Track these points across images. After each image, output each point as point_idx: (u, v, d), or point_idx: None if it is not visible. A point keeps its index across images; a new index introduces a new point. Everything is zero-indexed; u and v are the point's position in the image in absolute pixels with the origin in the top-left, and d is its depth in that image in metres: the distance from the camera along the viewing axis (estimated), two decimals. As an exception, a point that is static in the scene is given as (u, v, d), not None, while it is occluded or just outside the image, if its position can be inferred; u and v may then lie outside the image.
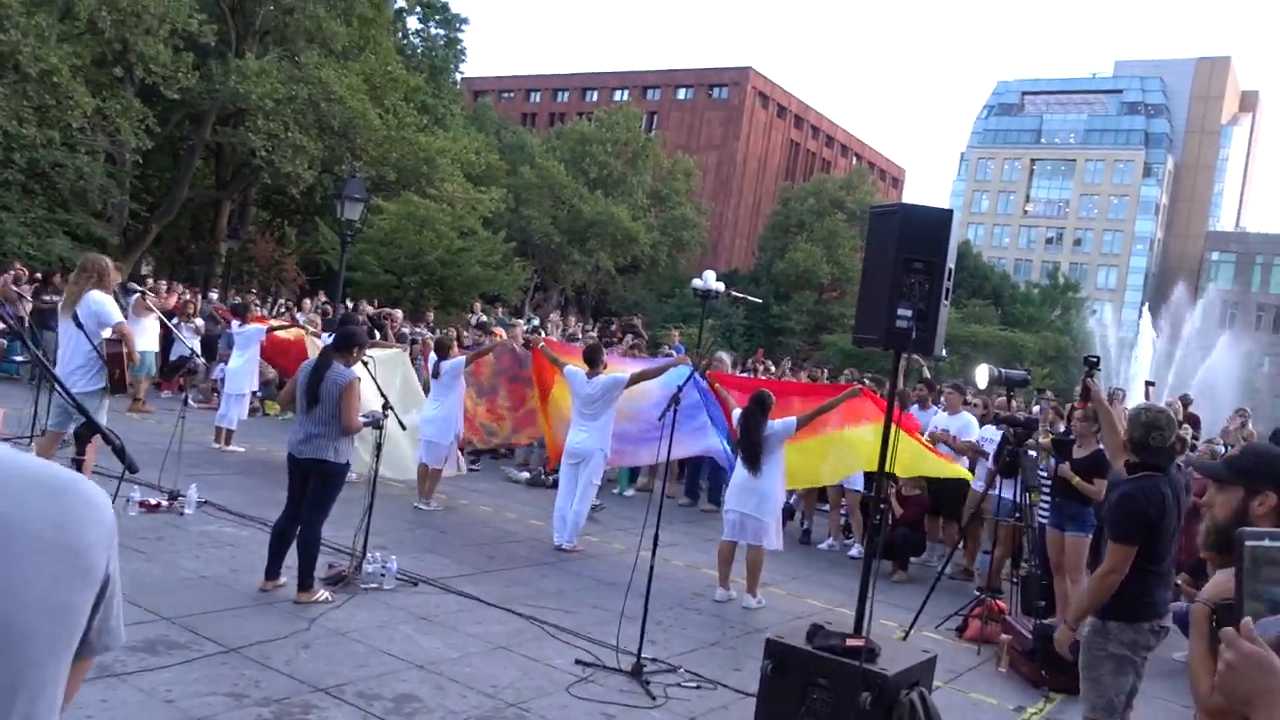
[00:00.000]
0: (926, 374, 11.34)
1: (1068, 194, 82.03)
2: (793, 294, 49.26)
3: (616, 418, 8.23)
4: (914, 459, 8.14)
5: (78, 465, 2.59)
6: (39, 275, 17.65)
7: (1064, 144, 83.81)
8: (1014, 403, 8.00)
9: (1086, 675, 4.21)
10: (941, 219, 4.58)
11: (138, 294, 12.35)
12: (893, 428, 4.61)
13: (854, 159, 74.48)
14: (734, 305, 12.39)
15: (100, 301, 7.22)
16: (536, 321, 19.75)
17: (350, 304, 18.77)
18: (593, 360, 8.56)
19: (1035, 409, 10.34)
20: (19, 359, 14.45)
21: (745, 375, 12.70)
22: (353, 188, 16.53)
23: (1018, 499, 7.50)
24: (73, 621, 1.35)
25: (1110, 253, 79.60)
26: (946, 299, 4.61)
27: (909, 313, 4.51)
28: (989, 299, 52.03)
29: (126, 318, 7.99)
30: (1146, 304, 64.09)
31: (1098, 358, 5.41)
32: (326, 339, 10.12)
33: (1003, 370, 7.20)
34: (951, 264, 4.60)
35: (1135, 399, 13.62)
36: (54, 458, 7.31)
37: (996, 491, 8.23)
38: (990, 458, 8.71)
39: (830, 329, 45.20)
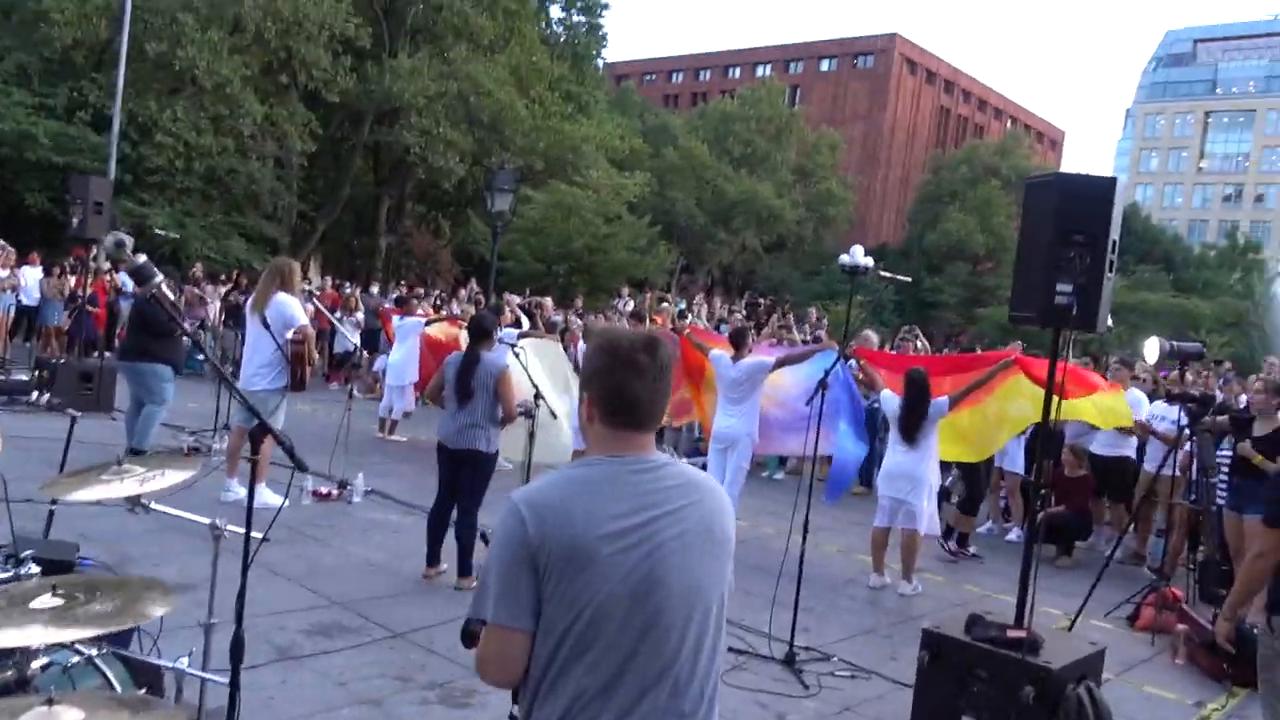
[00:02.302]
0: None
1: (1247, 147, 76.33)
2: (945, 266, 47.73)
3: (763, 405, 8.17)
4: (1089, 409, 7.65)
5: (253, 463, 2.74)
6: (222, 276, 18.90)
7: (1242, 93, 77.99)
8: (1188, 377, 7.51)
9: (1263, 677, 3.95)
10: (1103, 188, 4.33)
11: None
12: (1053, 400, 4.40)
13: (1009, 122, 71.39)
14: (883, 285, 12.06)
15: (287, 303, 7.66)
16: (684, 305, 19.78)
17: (496, 295, 19.26)
18: (738, 343, 8.53)
19: (1217, 386, 9.63)
20: (201, 358, 15.47)
21: (893, 352, 12.39)
22: (502, 180, 16.96)
23: (1194, 480, 7.06)
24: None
25: (1297, 209, 73.77)
26: (1111, 272, 4.37)
27: (1069, 288, 4.30)
28: (1159, 264, 49.10)
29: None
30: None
31: None
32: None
33: (1174, 343, 6.78)
34: (1116, 236, 4.36)
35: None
36: (240, 453, 7.86)
37: (1171, 471, 7.76)
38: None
39: (985, 302, 43.56)
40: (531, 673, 1.91)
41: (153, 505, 3.21)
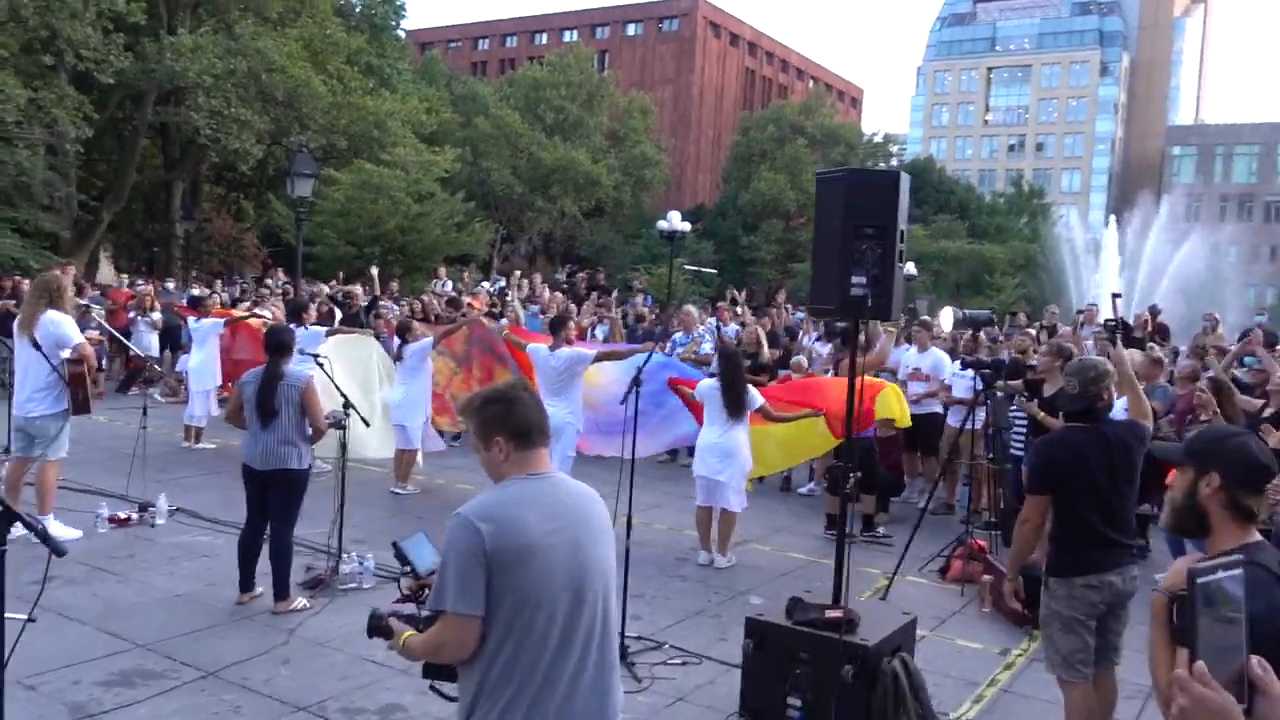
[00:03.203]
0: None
1: (1026, 100, 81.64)
2: (760, 224, 49.04)
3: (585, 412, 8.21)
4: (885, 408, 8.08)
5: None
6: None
7: (1019, 50, 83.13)
8: (979, 340, 7.95)
9: (1043, 632, 4.26)
10: (889, 182, 4.47)
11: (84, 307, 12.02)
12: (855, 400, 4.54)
13: (810, 82, 73.66)
14: (693, 276, 12.11)
15: (58, 322, 7.09)
16: (503, 283, 19.48)
17: (309, 284, 18.44)
18: (555, 328, 8.49)
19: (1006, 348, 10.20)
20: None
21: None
22: (301, 163, 16.17)
23: (989, 438, 7.50)
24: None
25: (1073, 155, 79.49)
26: (901, 262, 4.52)
27: (863, 279, 4.42)
28: (955, 213, 51.98)
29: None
30: (1112, 205, 64.27)
31: (1116, 321, 5.34)
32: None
33: (966, 312, 7.20)
34: (904, 226, 4.50)
35: (1106, 311, 13.60)
36: (22, 484, 7.22)
37: (972, 427, 8.22)
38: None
39: (800, 256, 45.04)
40: (481, 655, 2.42)
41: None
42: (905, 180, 4.52)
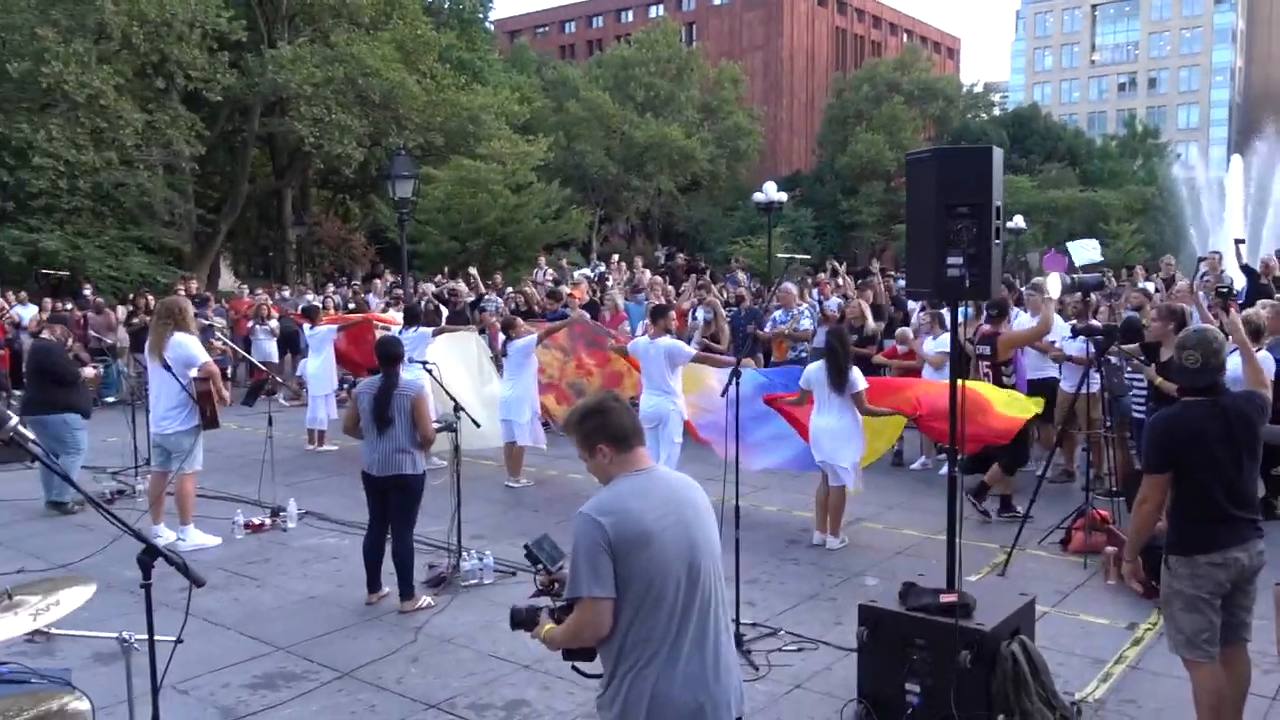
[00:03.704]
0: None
1: (1135, 35, 77.76)
2: (860, 187, 48.14)
3: (692, 414, 8.26)
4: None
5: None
6: (130, 296, 18.14)
7: (1125, -19, 79.29)
8: (1090, 306, 7.68)
9: (1164, 612, 4.13)
10: (980, 159, 4.36)
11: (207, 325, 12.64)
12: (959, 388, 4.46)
13: (904, 36, 71.73)
14: (787, 262, 11.93)
15: (184, 344, 7.52)
16: (603, 267, 19.65)
17: (415, 284, 18.92)
18: (656, 317, 8.58)
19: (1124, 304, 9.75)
20: (110, 400, 15.08)
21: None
22: (400, 166, 16.56)
23: (1105, 404, 7.25)
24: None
25: (1188, 90, 75.47)
26: (999, 239, 4.42)
27: (959, 260, 4.34)
28: (1064, 160, 50.05)
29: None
30: (1234, 140, 60.78)
31: (1229, 287, 5.12)
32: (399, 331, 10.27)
33: (1075, 277, 6.95)
34: (1000, 202, 4.39)
35: (1230, 258, 12.96)
36: (164, 497, 7.69)
37: (1087, 390, 7.95)
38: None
39: (902, 217, 44.01)
40: (616, 631, 2.77)
41: (53, 632, 3.09)
42: (998, 155, 4.40)
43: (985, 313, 8.46)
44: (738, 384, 5.48)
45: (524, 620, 2.99)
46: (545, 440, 9.99)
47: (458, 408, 6.87)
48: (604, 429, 2.93)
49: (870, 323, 10.92)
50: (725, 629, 2.96)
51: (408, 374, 6.59)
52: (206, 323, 13.12)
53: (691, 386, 8.45)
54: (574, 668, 3.12)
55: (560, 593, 3.03)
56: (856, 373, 7.32)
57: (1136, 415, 7.57)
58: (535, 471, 10.06)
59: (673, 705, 2.78)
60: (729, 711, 2.90)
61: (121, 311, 16.98)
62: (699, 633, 2.84)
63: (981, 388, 7.79)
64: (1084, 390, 7.83)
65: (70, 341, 10.15)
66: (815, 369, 7.48)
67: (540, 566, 3.19)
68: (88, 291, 18.12)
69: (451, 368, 9.29)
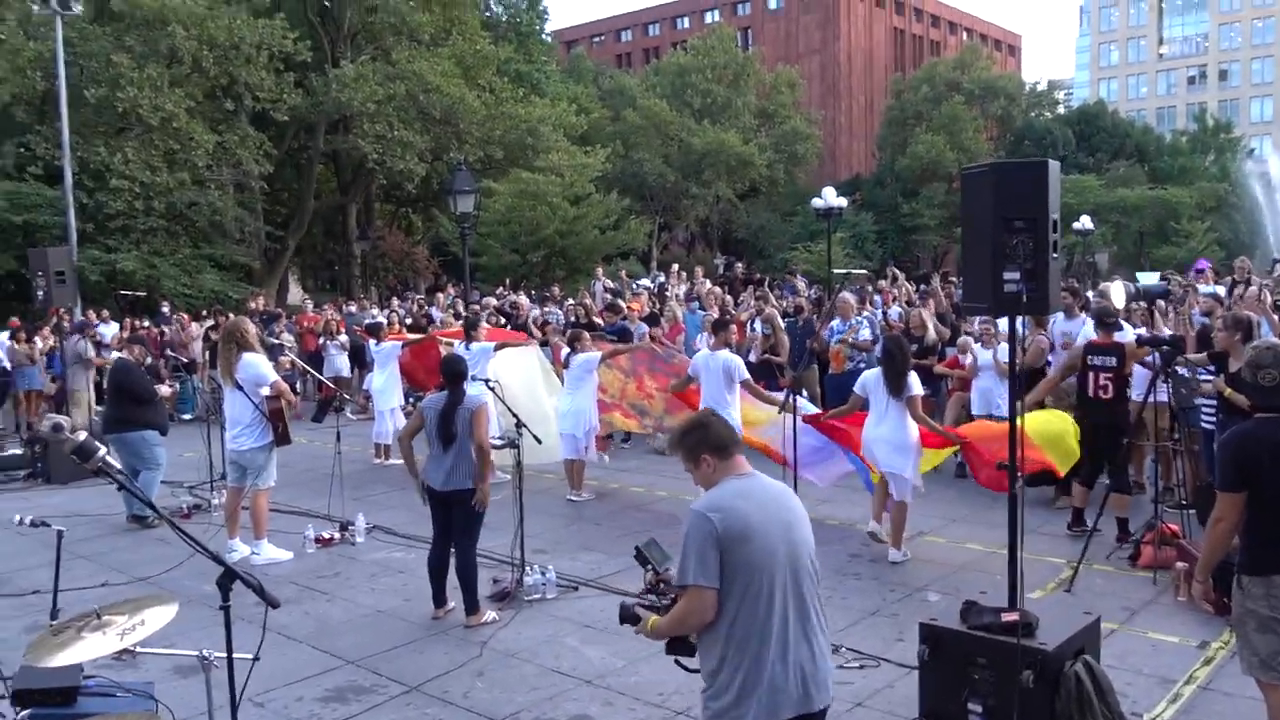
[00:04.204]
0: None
1: (1205, 26, 75.73)
2: (921, 189, 47.56)
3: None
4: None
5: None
6: (204, 312, 18.64)
7: (1194, -28, 77.31)
8: (1156, 315, 7.52)
9: (1237, 631, 4.05)
10: (1037, 171, 4.33)
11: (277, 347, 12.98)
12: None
13: (964, 35, 70.76)
14: (842, 279, 11.90)
15: (253, 364, 7.77)
16: (663, 278, 19.70)
17: (480, 297, 19.13)
18: (717, 329, 8.63)
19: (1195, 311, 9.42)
20: (186, 417, 15.57)
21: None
22: (461, 181, 16.87)
23: (1173, 416, 7.10)
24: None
25: (1261, 82, 73.20)
26: (1056, 252, 4.39)
27: (1016, 275, 4.32)
28: (1132, 157, 48.90)
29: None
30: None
31: None
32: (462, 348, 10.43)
33: (1139, 286, 6.81)
34: (1056, 216, 4.36)
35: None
36: (239, 512, 7.94)
37: (1154, 400, 7.78)
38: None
39: (965, 220, 43.41)
40: (721, 619, 3.03)
41: (138, 650, 3.23)
42: (1055, 167, 4.37)
43: (1102, 322, 7.88)
44: (794, 398, 5.49)
45: (628, 616, 3.28)
46: (597, 455, 10.07)
47: (519, 424, 6.98)
48: (706, 441, 3.25)
49: (931, 333, 10.81)
50: (823, 623, 3.22)
51: (471, 389, 6.72)
52: (276, 341, 13.48)
53: (751, 424, 8.44)
54: (676, 661, 3.35)
55: (666, 591, 3.30)
56: (914, 378, 7.26)
57: (1206, 425, 7.40)
58: (597, 485, 10.15)
59: (786, 695, 3.04)
60: (828, 696, 3.21)
61: (196, 328, 17.48)
62: (801, 625, 3.10)
63: (1035, 421, 7.54)
64: (1151, 399, 7.68)
65: (148, 359, 10.50)
66: (873, 375, 7.43)
67: (649, 566, 3.43)
68: (166, 309, 18.70)
69: (513, 382, 9.43)
